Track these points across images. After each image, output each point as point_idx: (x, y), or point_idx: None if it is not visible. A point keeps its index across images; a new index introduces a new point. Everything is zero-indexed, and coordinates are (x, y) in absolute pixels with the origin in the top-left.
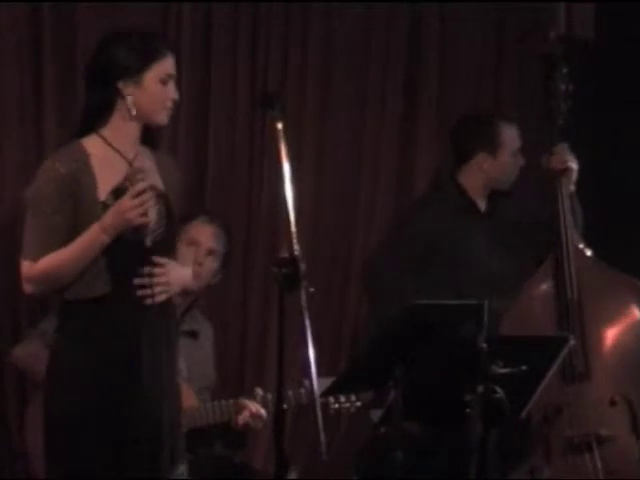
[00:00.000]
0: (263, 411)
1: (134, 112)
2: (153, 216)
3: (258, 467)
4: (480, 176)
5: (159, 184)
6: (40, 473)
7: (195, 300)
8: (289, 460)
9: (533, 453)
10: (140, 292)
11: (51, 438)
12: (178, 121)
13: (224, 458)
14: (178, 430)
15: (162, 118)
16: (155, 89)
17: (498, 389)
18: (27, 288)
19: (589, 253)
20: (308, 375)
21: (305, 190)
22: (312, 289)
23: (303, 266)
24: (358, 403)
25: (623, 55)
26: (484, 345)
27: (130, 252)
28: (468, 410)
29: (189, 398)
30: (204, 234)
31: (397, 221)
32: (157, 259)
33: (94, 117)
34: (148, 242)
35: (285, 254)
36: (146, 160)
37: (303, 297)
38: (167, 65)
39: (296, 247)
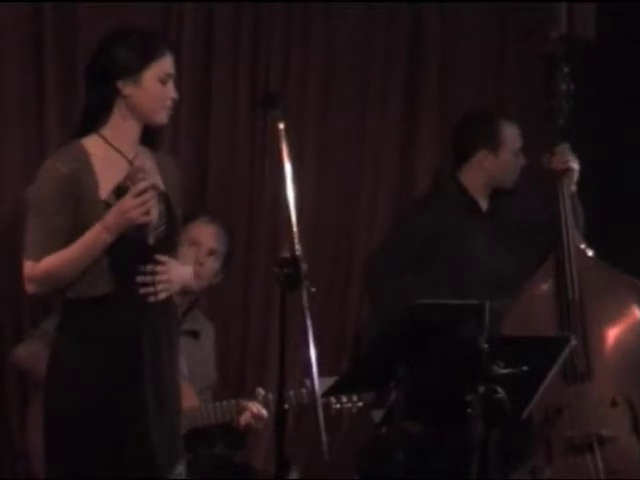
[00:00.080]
0: (264, 411)
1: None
2: (155, 215)
3: (258, 467)
4: (481, 175)
5: (160, 184)
6: (41, 473)
7: (196, 300)
8: (290, 460)
9: (534, 453)
10: (142, 290)
11: (51, 438)
12: (179, 121)
13: (224, 458)
14: (177, 430)
15: (162, 117)
16: (154, 88)
17: (499, 389)
18: (29, 288)
19: (590, 253)
20: (309, 375)
21: (306, 190)
22: (313, 289)
23: (304, 266)
24: (360, 403)
25: (624, 55)
26: (485, 345)
27: (132, 251)
28: (469, 410)
29: (190, 398)
30: (205, 234)
31: (397, 220)
32: (159, 257)
33: (94, 117)
34: (151, 240)
35: (286, 254)
36: (146, 160)
37: (304, 297)
38: (166, 64)
39: (297, 247)
